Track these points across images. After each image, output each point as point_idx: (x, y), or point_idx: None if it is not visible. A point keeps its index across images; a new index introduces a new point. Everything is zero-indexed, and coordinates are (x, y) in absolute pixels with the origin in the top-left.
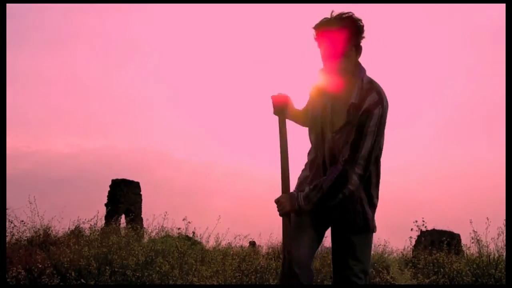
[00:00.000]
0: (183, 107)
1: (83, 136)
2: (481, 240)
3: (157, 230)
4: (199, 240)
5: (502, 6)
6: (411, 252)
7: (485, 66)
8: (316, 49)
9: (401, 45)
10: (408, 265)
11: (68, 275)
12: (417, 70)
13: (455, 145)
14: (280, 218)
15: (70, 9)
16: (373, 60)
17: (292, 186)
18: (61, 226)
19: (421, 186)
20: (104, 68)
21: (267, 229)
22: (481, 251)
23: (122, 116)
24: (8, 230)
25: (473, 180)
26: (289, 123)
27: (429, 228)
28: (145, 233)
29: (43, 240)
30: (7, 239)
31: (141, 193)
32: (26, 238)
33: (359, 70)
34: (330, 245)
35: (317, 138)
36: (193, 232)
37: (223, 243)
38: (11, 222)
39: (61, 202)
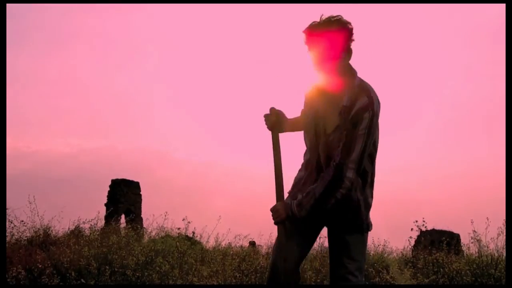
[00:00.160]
0: (183, 107)
1: (83, 136)
2: (481, 240)
3: (157, 230)
4: (199, 240)
5: (502, 6)
6: (410, 252)
7: (485, 66)
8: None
9: (401, 45)
10: (407, 265)
11: (68, 275)
12: (417, 70)
13: (455, 145)
14: None
15: (70, 9)
16: (373, 60)
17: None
18: (61, 226)
19: (421, 186)
20: (104, 68)
21: (267, 229)
22: (481, 251)
23: (122, 116)
24: (8, 230)
25: (473, 180)
26: (285, 135)
27: (428, 228)
28: (145, 233)
29: (43, 240)
30: (7, 239)
31: (141, 193)
32: (26, 238)
33: (350, 72)
34: None
35: (311, 140)
36: (193, 232)
37: (223, 243)
38: (11, 222)
39: (61, 202)
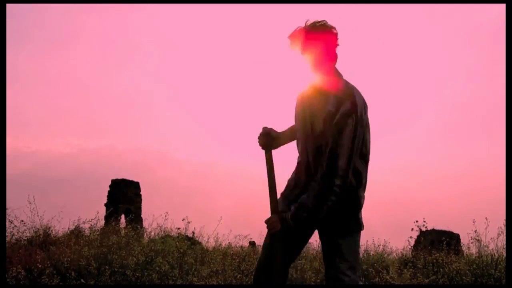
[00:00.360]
0: (183, 107)
1: (83, 136)
2: (481, 240)
3: (157, 230)
4: (199, 240)
5: (502, 6)
6: (410, 252)
7: (485, 66)
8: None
9: (402, 45)
10: (407, 265)
11: (68, 275)
12: (417, 70)
13: (455, 145)
14: None
15: (70, 9)
16: (373, 60)
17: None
18: (61, 226)
19: (421, 186)
20: (104, 68)
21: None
22: (481, 251)
23: (122, 116)
24: (8, 230)
25: (472, 180)
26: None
27: (428, 228)
28: (145, 233)
29: (43, 240)
30: (7, 239)
31: (141, 193)
32: (26, 238)
33: (335, 77)
34: None
35: (301, 143)
36: (193, 232)
37: (223, 243)
38: (11, 222)
39: (61, 202)
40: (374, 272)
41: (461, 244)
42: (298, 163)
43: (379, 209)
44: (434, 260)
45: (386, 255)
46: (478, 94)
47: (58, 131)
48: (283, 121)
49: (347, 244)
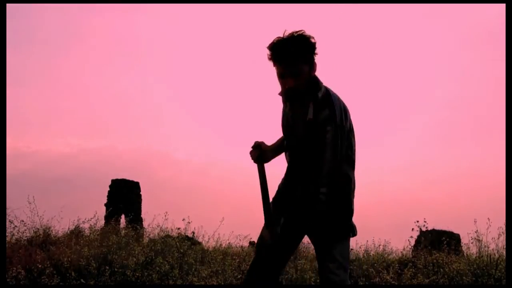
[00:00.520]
0: (183, 107)
1: (83, 136)
2: (482, 240)
3: (157, 230)
4: (199, 240)
5: (502, 6)
6: (411, 252)
7: (485, 66)
8: (318, 50)
9: (401, 45)
10: (408, 265)
11: (68, 275)
12: (416, 70)
13: (455, 145)
14: None
15: (70, 9)
16: (374, 60)
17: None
18: (61, 226)
19: (421, 186)
20: (104, 68)
21: None
22: (481, 251)
23: (122, 116)
24: (8, 230)
25: (473, 180)
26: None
27: (429, 228)
28: (145, 233)
29: (43, 240)
30: (7, 239)
31: (141, 193)
32: (26, 238)
33: (315, 85)
34: None
35: (287, 151)
36: (193, 232)
37: (224, 243)
38: (11, 222)
39: (61, 202)
40: (374, 272)
41: (462, 244)
42: (287, 168)
43: (379, 209)
44: (435, 260)
45: (386, 255)
46: (478, 93)
47: (58, 131)
48: None
49: (337, 246)
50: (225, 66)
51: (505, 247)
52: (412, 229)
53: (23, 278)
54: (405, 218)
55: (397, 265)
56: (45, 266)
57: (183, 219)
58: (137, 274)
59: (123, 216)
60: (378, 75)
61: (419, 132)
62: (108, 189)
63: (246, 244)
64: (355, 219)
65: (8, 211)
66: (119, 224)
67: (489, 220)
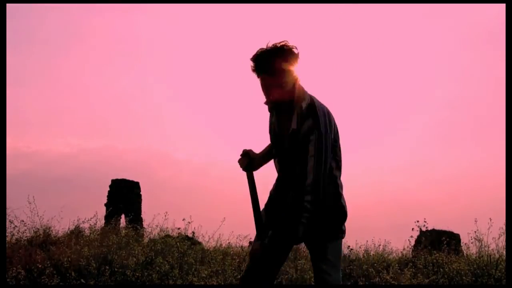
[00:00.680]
0: (183, 107)
1: (83, 136)
2: (483, 240)
3: (157, 230)
4: (199, 240)
5: (502, 6)
6: (411, 252)
7: (485, 66)
8: (318, 50)
9: (401, 45)
10: (408, 265)
11: (68, 275)
12: (416, 70)
13: (456, 145)
14: None
15: (70, 9)
16: (374, 59)
17: None
18: (61, 226)
19: (421, 186)
20: (104, 68)
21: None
22: (481, 251)
23: (122, 116)
24: (8, 230)
25: (473, 180)
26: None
27: (429, 228)
28: (145, 233)
29: (43, 240)
30: (7, 239)
31: (141, 193)
32: (26, 238)
33: (299, 95)
34: None
35: (276, 159)
36: (193, 232)
37: (224, 243)
38: (11, 222)
39: (61, 202)
40: (374, 272)
41: (461, 244)
42: (278, 175)
43: (379, 209)
44: (434, 260)
45: (386, 255)
46: (478, 93)
47: (58, 131)
48: None
49: (330, 247)
50: (225, 66)
51: (505, 247)
52: (412, 229)
53: (23, 278)
54: (405, 218)
55: (397, 265)
56: (45, 266)
57: (183, 219)
58: (137, 274)
59: (123, 216)
60: (378, 75)
61: (419, 132)
62: (108, 189)
63: (246, 244)
64: (355, 220)
65: (8, 211)
66: (119, 224)
67: (490, 220)
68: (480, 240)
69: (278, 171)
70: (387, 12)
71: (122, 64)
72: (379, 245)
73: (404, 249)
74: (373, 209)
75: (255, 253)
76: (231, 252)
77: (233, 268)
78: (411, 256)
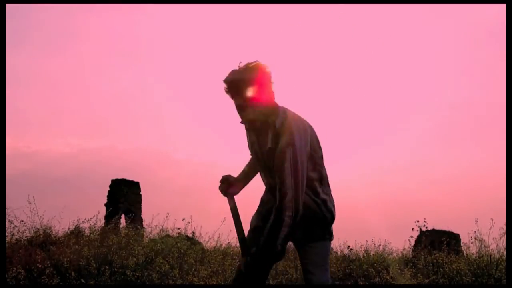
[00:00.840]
0: (183, 107)
1: (83, 136)
2: (483, 240)
3: (157, 230)
4: (199, 240)
5: (502, 6)
6: (411, 252)
7: (485, 66)
8: (318, 50)
9: (401, 45)
10: (408, 265)
11: (68, 275)
12: (417, 70)
13: (456, 145)
14: None
15: (70, 9)
16: (374, 59)
17: None
18: (61, 226)
19: (421, 186)
20: (104, 68)
21: None
22: (481, 251)
23: (122, 116)
24: (8, 230)
25: (472, 180)
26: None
27: (429, 228)
28: (145, 233)
29: (43, 240)
30: (7, 239)
31: (141, 193)
32: (26, 238)
33: (273, 113)
34: None
35: (260, 173)
36: (193, 232)
37: (224, 243)
38: (11, 222)
39: (61, 202)
40: (374, 272)
41: (461, 244)
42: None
43: (379, 209)
44: (434, 260)
45: (386, 255)
46: (478, 93)
47: (58, 131)
48: None
49: (315, 248)
50: (225, 66)
51: (505, 247)
52: (412, 229)
53: (23, 278)
54: (405, 218)
55: (397, 265)
56: (45, 266)
57: (183, 219)
58: (137, 274)
59: (123, 216)
60: (378, 75)
61: (419, 132)
62: (108, 189)
63: None
64: (355, 220)
65: (8, 211)
66: (119, 224)
67: (492, 220)
68: (480, 240)
69: (265, 183)
70: (387, 12)
71: (122, 64)
72: (379, 245)
73: (404, 249)
74: (373, 209)
75: (240, 267)
76: (231, 252)
77: (233, 268)
78: (411, 256)
